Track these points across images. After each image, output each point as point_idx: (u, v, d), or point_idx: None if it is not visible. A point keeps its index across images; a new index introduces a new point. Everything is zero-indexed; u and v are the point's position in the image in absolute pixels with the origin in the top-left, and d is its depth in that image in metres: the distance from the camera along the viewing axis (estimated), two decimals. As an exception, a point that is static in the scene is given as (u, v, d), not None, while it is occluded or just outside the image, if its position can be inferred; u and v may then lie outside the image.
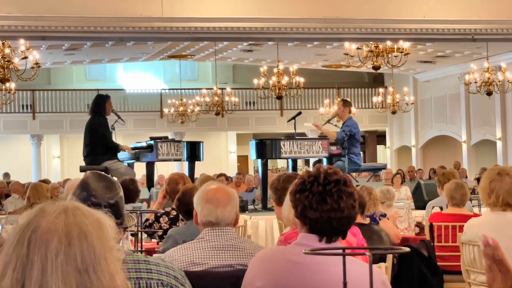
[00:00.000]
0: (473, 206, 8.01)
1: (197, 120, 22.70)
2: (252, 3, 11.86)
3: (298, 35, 12.28)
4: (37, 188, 9.67)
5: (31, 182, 12.76)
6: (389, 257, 5.00)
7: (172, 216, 5.95)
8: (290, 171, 10.82)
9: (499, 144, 21.32)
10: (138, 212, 4.52)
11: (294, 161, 11.21)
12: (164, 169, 15.79)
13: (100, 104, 10.38)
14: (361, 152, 11.88)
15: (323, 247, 2.57)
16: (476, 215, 6.25)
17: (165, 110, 23.63)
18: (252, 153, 10.82)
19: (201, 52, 20.61)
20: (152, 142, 11.06)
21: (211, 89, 20.02)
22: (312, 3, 11.84)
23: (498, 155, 21.25)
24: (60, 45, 17.69)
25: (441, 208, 6.97)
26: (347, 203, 2.60)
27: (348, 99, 13.98)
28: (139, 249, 4.57)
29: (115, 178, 4.94)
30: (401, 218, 7.38)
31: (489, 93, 16.49)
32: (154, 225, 5.98)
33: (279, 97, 16.08)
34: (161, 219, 5.97)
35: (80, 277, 1.49)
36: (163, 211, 6.09)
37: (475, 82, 16.53)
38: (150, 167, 11.59)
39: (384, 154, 28.18)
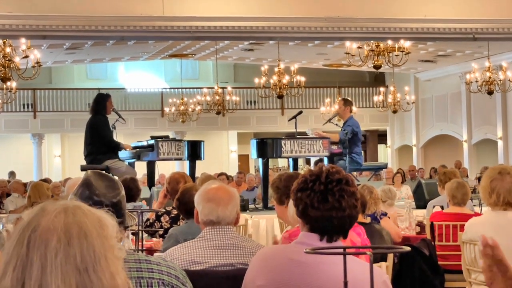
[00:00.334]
0: (474, 205, 8.00)
1: (198, 119, 22.70)
2: (253, 2, 11.86)
3: (299, 34, 12.27)
4: (38, 187, 9.69)
5: (32, 181, 12.79)
6: (390, 256, 5.00)
7: (173, 215, 5.95)
8: (291, 170, 10.82)
9: (500, 143, 21.32)
10: (139, 211, 4.51)
11: (295, 160, 11.20)
12: (165, 168, 15.79)
13: (101, 103, 10.37)
14: (362, 152, 11.87)
15: (324, 246, 2.56)
16: (477, 214, 6.25)
17: (166, 109, 23.63)
18: (253, 152, 10.81)
19: (202, 51, 20.60)
20: (153, 141, 11.06)
21: (212, 88, 20.03)
22: (313, 2, 11.84)
23: (499, 154, 21.24)
24: (61, 44, 17.69)
25: (442, 207, 6.97)
26: (349, 203, 2.59)
27: (349, 98, 13.96)
28: (140, 248, 4.57)
29: (116, 177, 4.95)
30: (402, 217, 7.38)
31: (490, 92, 16.49)
32: (155, 224, 5.98)
33: (280, 96, 16.08)
34: (162, 218, 5.97)
35: (80, 276, 1.49)
36: (164, 210, 6.09)
37: (476, 81, 16.53)
38: (151, 166, 11.59)
39: (385, 153, 28.17)
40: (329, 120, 11.69)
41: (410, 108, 20.39)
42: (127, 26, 11.36)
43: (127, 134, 21.60)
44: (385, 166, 13.74)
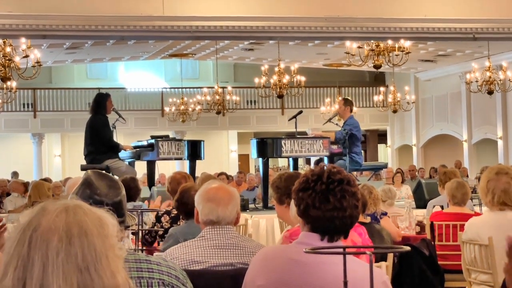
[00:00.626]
0: (474, 205, 8.00)
1: (198, 119, 22.71)
2: (253, 2, 11.86)
3: (299, 34, 12.27)
4: (38, 187, 9.69)
5: (33, 180, 12.78)
6: (390, 256, 5.00)
7: (173, 215, 5.95)
8: (291, 170, 10.82)
9: (500, 143, 21.32)
10: (139, 211, 4.52)
11: (295, 160, 11.20)
12: (165, 168, 15.79)
13: (101, 103, 10.37)
14: (362, 151, 11.87)
15: (325, 246, 2.56)
16: (477, 214, 6.25)
17: (166, 109, 23.63)
18: (253, 152, 10.81)
19: (202, 50, 20.61)
20: (153, 141, 11.06)
21: (212, 88, 20.03)
22: (313, 2, 11.84)
23: (499, 154, 21.25)
24: (61, 44, 17.70)
25: (442, 207, 6.97)
26: (350, 203, 2.59)
27: (349, 98, 13.96)
28: (140, 247, 4.57)
29: (116, 177, 4.95)
30: (402, 217, 7.38)
31: (490, 92, 16.49)
32: (156, 225, 5.99)
33: (280, 96, 16.08)
34: (162, 218, 5.97)
35: (81, 275, 1.49)
36: (164, 210, 6.09)
37: (476, 81, 16.53)
38: (151, 166, 11.58)
39: (385, 153, 28.18)
40: (329, 120, 11.69)
41: (410, 108, 20.39)
42: (127, 26, 11.36)
43: (127, 134, 21.60)
44: (385, 166, 13.75)
